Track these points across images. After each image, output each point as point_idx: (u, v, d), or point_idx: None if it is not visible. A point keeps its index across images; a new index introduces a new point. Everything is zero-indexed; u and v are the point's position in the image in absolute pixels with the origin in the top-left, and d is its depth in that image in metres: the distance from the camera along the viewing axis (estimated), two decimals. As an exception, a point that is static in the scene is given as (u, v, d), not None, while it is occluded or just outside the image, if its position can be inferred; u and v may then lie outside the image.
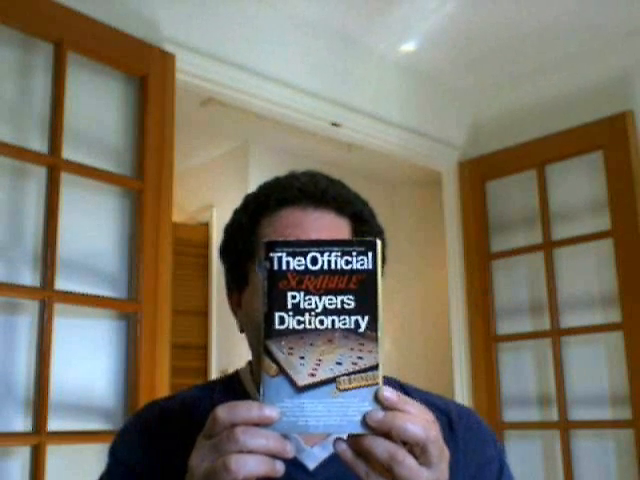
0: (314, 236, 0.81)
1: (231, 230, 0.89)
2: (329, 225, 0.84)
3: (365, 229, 0.87)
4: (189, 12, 2.25)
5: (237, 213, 0.90)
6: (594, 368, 2.66)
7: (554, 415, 2.70)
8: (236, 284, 0.89)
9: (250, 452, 0.57)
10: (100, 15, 1.95)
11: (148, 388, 1.89)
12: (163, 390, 1.91)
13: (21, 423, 1.71)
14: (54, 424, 1.73)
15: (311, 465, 0.80)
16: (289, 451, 0.59)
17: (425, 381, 3.88)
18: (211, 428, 0.60)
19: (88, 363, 1.87)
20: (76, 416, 1.81)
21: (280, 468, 0.59)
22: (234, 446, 0.57)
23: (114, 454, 0.88)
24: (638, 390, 2.47)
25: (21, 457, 1.70)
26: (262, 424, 0.58)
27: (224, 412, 0.59)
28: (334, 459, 0.77)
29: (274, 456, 0.58)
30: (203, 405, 0.84)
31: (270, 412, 0.58)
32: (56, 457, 1.71)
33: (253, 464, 0.57)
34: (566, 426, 2.64)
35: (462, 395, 2.93)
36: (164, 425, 0.86)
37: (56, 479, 1.70)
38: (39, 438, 1.68)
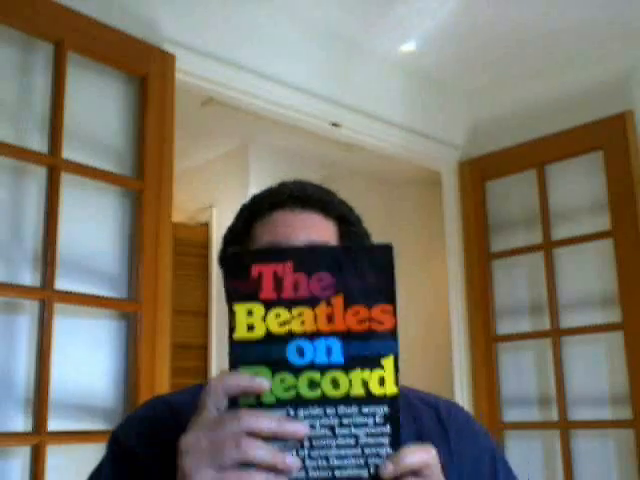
0: (303, 235, 0.87)
1: (228, 236, 0.95)
2: (317, 225, 0.90)
3: (351, 230, 0.93)
4: (189, 12, 2.25)
5: (233, 221, 0.95)
6: (594, 368, 2.65)
7: (554, 415, 2.70)
8: None
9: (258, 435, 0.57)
10: (100, 15, 1.95)
11: (148, 388, 1.89)
12: (163, 390, 1.91)
13: (21, 423, 1.71)
14: (54, 424, 1.73)
15: None
16: (300, 430, 0.59)
17: (425, 381, 3.86)
18: (203, 401, 0.60)
19: (88, 363, 1.86)
20: (76, 416, 1.81)
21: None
22: (241, 424, 0.57)
23: (113, 440, 0.88)
24: (638, 390, 2.47)
25: (21, 457, 1.70)
26: (251, 393, 0.59)
27: (215, 383, 0.59)
28: None
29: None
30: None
31: (260, 382, 0.58)
32: (56, 457, 1.71)
33: (261, 449, 0.57)
34: (566, 426, 2.64)
35: (462, 395, 2.93)
36: (169, 416, 0.86)
37: (56, 479, 1.71)
38: (39, 438, 1.68)
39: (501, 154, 2.96)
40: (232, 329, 0.60)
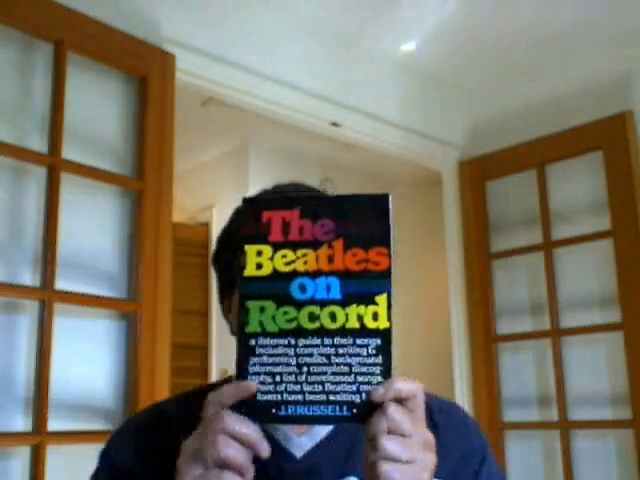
0: None
1: (221, 238, 0.96)
2: None
3: None
4: (189, 12, 2.25)
5: (227, 223, 0.96)
6: (594, 368, 2.65)
7: (554, 415, 2.70)
8: (226, 289, 0.93)
9: (234, 437, 0.62)
10: (100, 15, 1.95)
11: (148, 388, 1.89)
12: (163, 390, 1.91)
13: (21, 423, 1.71)
14: (54, 424, 1.73)
15: (298, 453, 0.82)
16: (265, 450, 0.64)
17: (425, 381, 3.85)
18: (205, 412, 0.65)
19: (88, 363, 1.86)
20: (76, 416, 1.81)
21: (251, 470, 0.64)
22: (221, 426, 0.62)
23: (106, 456, 0.88)
24: (638, 390, 2.47)
25: (21, 457, 1.70)
26: (244, 395, 0.64)
27: (213, 394, 0.65)
28: (320, 448, 0.82)
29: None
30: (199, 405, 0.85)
31: (247, 384, 0.64)
32: (56, 457, 1.71)
33: (235, 450, 0.62)
34: (566, 426, 2.64)
35: (462, 395, 2.93)
36: (158, 427, 0.87)
37: (56, 479, 1.71)
38: (39, 438, 1.68)
39: (501, 154, 2.96)
40: (243, 267, 0.66)
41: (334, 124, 2.69)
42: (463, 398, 2.91)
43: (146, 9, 2.13)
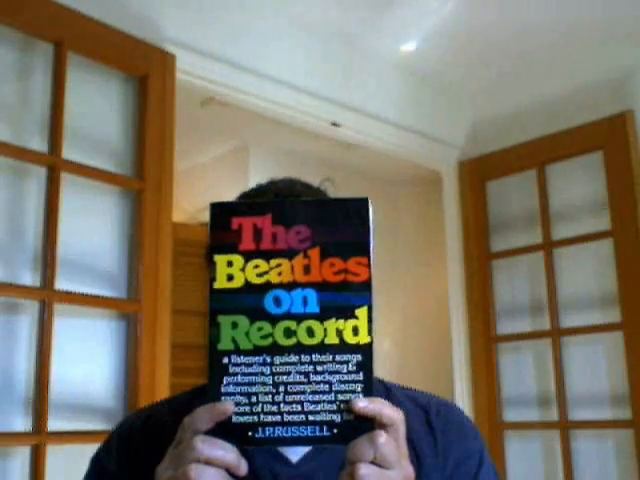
0: None
1: None
2: None
3: None
4: (189, 12, 2.25)
5: None
6: (594, 368, 2.65)
7: (554, 415, 2.70)
8: None
9: (209, 462, 0.59)
10: (100, 15, 1.95)
11: (148, 388, 1.89)
12: (163, 390, 1.91)
13: (21, 423, 1.71)
14: (54, 424, 1.73)
15: (294, 458, 0.81)
16: (243, 469, 0.61)
17: (425, 381, 3.86)
18: (179, 436, 0.62)
19: (88, 363, 1.86)
20: (76, 416, 1.81)
21: None
22: (194, 454, 0.59)
23: (96, 461, 0.88)
24: (638, 390, 2.47)
25: (21, 457, 1.70)
26: (220, 418, 0.60)
27: (188, 419, 0.62)
28: (317, 452, 0.80)
29: (230, 471, 0.61)
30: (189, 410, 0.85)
31: (222, 406, 0.61)
32: (56, 457, 1.71)
33: (211, 476, 0.59)
34: (566, 426, 2.64)
35: (462, 395, 2.93)
36: (149, 432, 0.86)
37: (56, 479, 1.71)
38: (39, 438, 1.68)
39: (501, 154, 2.96)
40: (212, 279, 0.63)
41: (334, 124, 2.69)
42: (463, 398, 2.91)
43: (146, 9, 2.13)
